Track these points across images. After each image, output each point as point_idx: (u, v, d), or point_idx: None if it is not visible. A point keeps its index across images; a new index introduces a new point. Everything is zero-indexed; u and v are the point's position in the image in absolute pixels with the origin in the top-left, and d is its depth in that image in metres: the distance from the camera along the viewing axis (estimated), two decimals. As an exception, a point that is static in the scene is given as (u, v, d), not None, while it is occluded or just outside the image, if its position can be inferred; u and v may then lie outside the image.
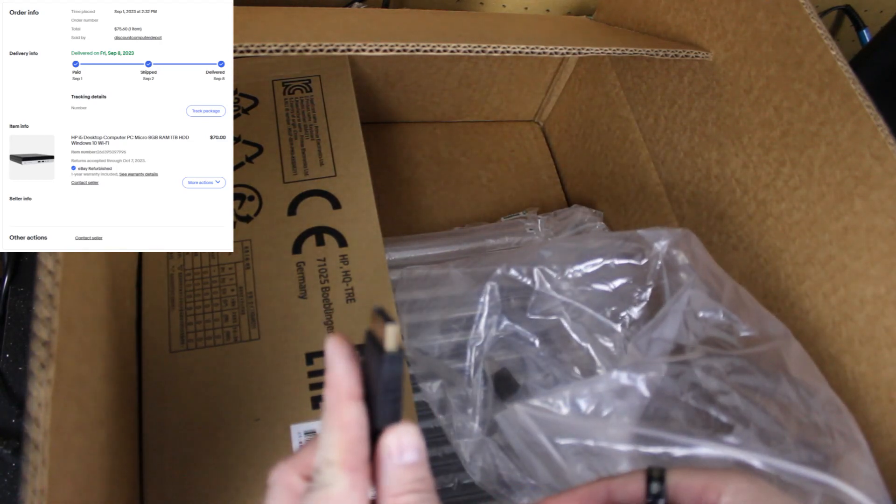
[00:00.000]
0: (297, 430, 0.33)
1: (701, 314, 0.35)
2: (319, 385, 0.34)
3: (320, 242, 0.38)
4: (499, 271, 0.38)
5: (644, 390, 0.32)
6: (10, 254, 0.43)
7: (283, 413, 0.33)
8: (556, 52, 0.37)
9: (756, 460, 0.28)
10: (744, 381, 0.33)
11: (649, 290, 0.39)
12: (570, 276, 0.39)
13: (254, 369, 0.34)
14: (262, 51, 0.32)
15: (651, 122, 0.49)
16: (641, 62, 0.49)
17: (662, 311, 0.35)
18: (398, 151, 0.59)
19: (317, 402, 0.34)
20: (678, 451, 0.29)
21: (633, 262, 0.39)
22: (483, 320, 0.38)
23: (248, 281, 0.37)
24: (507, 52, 0.36)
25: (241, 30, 0.37)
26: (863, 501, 0.27)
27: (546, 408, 0.32)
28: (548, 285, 0.39)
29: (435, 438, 0.39)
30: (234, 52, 0.32)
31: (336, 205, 0.40)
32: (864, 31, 0.69)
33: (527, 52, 0.36)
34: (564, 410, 0.32)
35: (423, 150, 0.60)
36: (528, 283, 0.38)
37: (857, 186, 0.33)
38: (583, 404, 0.32)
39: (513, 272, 0.38)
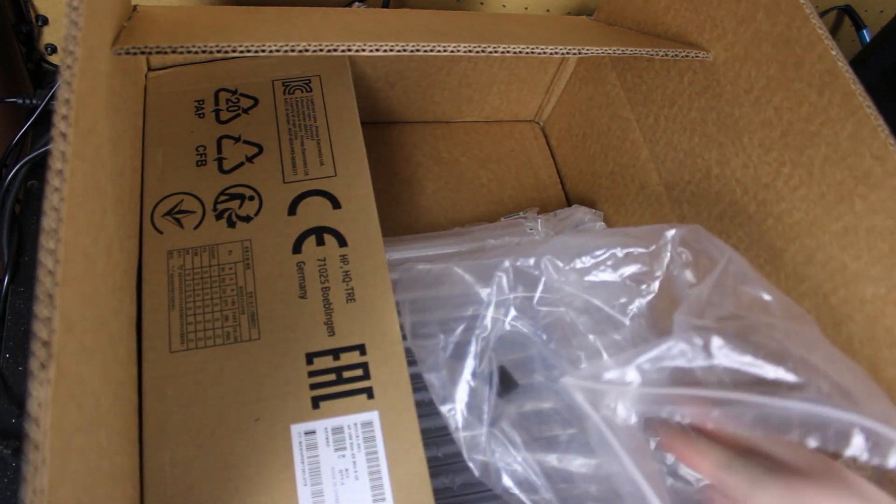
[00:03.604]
0: (297, 430, 0.33)
1: (745, 288, 0.34)
2: (319, 385, 0.34)
3: (320, 242, 0.38)
4: (507, 263, 0.37)
5: (708, 353, 0.31)
6: (10, 253, 0.44)
7: (283, 413, 0.33)
8: (556, 52, 0.37)
9: (834, 415, 0.28)
10: (801, 344, 0.32)
11: (657, 281, 0.38)
12: (578, 266, 0.38)
13: (254, 369, 0.34)
14: (262, 51, 0.32)
15: (651, 122, 0.49)
16: (641, 62, 0.49)
17: (710, 278, 0.34)
18: (398, 151, 0.59)
19: (317, 402, 0.34)
20: (751, 411, 0.29)
21: (640, 250, 0.38)
22: (490, 312, 0.37)
23: (248, 281, 0.37)
24: (507, 52, 0.36)
25: (241, 30, 0.37)
26: None
27: (600, 380, 0.31)
28: (555, 276, 0.38)
29: (435, 438, 0.39)
30: (235, 52, 0.32)
31: (336, 205, 0.40)
32: (864, 31, 0.69)
33: (527, 52, 0.36)
34: (623, 378, 0.31)
35: (423, 150, 0.60)
36: (536, 273, 0.38)
37: (857, 187, 0.33)
38: (642, 372, 0.31)
39: (520, 263, 0.38)
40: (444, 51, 0.35)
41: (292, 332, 0.35)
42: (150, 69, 0.45)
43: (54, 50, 0.51)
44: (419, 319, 0.38)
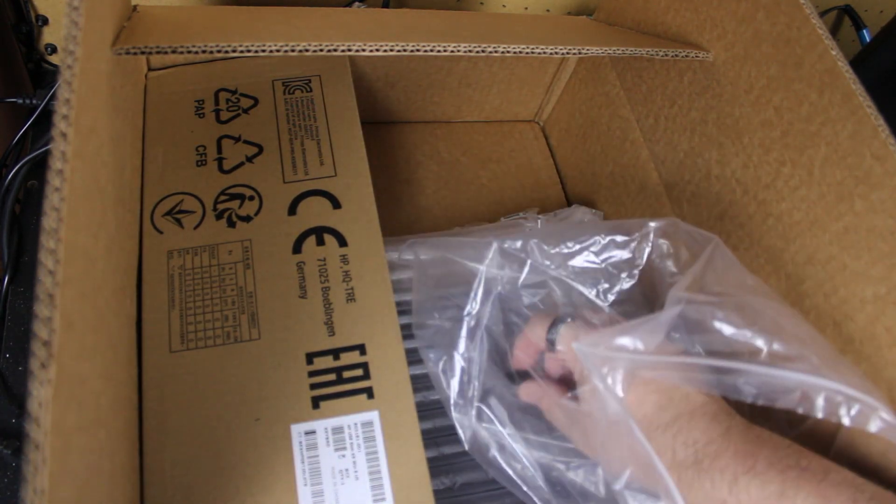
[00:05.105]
0: (297, 430, 0.33)
1: (730, 271, 0.35)
2: (319, 385, 0.34)
3: (320, 242, 0.38)
4: (494, 245, 0.38)
5: (714, 323, 0.32)
6: (10, 253, 0.44)
7: (283, 413, 0.33)
8: (556, 52, 0.37)
9: (825, 384, 0.30)
10: (789, 320, 0.34)
11: (638, 269, 0.39)
12: (563, 251, 0.39)
13: (254, 369, 0.34)
14: (262, 51, 0.32)
15: (651, 122, 0.49)
16: (641, 62, 0.49)
17: (700, 260, 0.35)
18: (398, 151, 0.59)
19: (317, 402, 0.34)
20: (754, 380, 0.31)
21: (623, 238, 0.39)
22: (480, 293, 0.38)
23: (248, 281, 0.37)
24: (507, 52, 0.36)
25: (241, 30, 0.37)
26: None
27: (610, 346, 0.32)
28: (540, 259, 0.39)
29: (435, 438, 0.39)
30: (235, 52, 0.32)
31: (336, 205, 0.40)
32: (864, 31, 0.69)
33: (527, 52, 0.36)
34: (630, 345, 0.32)
35: (423, 150, 0.60)
36: (522, 256, 0.39)
37: (858, 186, 0.33)
38: (645, 341, 0.32)
39: (507, 245, 0.39)
40: (444, 51, 0.35)
41: (292, 332, 0.35)
42: (150, 69, 0.45)
43: (54, 50, 0.51)
44: (418, 299, 0.39)
